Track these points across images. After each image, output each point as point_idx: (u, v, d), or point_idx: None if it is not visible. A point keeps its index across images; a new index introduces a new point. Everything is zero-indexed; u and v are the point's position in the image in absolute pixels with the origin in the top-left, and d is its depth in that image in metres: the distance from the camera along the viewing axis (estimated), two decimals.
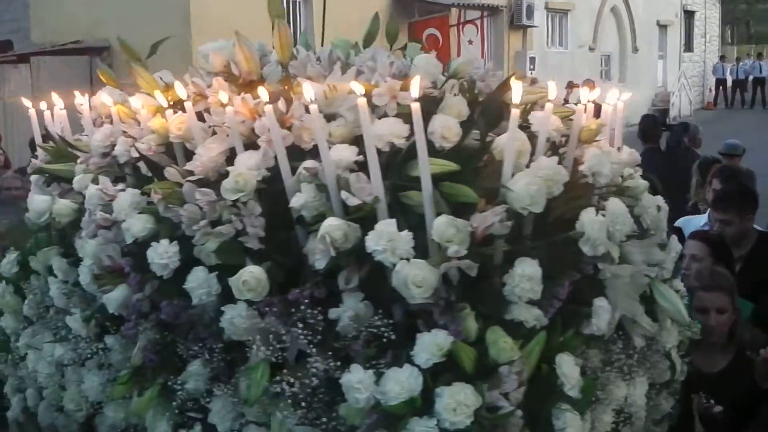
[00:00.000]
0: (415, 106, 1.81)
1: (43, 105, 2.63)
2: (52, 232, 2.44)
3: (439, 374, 1.76)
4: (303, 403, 1.83)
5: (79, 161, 2.45)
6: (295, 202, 1.93)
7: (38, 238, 2.45)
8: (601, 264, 1.93)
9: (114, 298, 2.14)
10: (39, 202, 2.43)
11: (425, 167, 1.82)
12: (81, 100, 2.47)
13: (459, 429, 1.69)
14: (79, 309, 2.30)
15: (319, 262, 1.84)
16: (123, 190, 2.22)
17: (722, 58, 25.86)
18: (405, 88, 1.98)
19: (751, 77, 24.48)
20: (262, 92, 2.03)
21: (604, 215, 1.93)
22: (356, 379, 1.76)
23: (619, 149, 2.22)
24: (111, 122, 2.40)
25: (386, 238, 1.77)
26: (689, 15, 24.53)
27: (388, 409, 1.73)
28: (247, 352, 2.00)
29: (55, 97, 2.59)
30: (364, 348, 1.82)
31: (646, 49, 21.74)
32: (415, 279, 1.73)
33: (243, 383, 2.01)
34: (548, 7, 18.30)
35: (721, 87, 24.94)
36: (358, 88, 1.90)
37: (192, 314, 2.05)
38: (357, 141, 2.02)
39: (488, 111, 2.09)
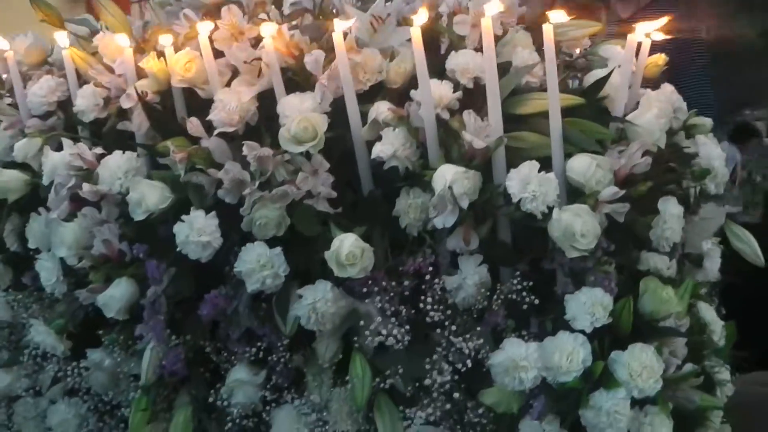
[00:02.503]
0: (547, 29, 1.50)
1: None
2: None
3: (592, 339, 1.48)
4: (441, 397, 1.46)
5: (2, 126, 1.84)
6: (382, 152, 1.54)
7: None
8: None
9: (115, 296, 1.60)
10: None
11: (555, 99, 1.53)
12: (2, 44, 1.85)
13: (648, 396, 1.43)
14: (41, 318, 1.72)
15: (441, 221, 1.48)
16: (104, 154, 1.68)
17: None
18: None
19: None
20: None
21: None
22: (520, 355, 1.43)
23: None
24: (52, 72, 1.83)
25: (536, 183, 1.45)
26: None
27: (562, 387, 1.42)
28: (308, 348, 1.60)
29: None
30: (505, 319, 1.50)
31: None
32: (583, 227, 1.43)
33: (313, 386, 1.59)
34: None
35: None
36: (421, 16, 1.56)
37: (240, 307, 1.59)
38: (413, 83, 1.67)
39: None
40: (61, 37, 1.77)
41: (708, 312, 1.64)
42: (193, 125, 1.59)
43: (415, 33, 1.52)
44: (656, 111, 1.61)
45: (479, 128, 1.51)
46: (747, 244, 1.84)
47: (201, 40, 1.62)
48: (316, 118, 1.55)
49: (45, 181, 1.69)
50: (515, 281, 1.50)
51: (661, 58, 1.82)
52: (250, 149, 1.55)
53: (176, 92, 1.69)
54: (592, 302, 1.47)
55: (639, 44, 1.65)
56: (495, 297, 1.50)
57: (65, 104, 1.80)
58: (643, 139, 1.56)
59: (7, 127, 1.82)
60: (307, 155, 1.56)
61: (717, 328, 1.64)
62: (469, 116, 1.51)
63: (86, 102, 1.72)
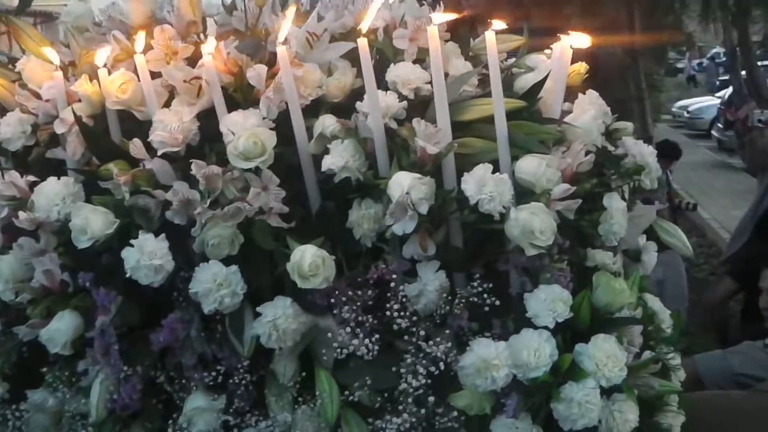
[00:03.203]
0: (490, 36, 1.54)
1: None
2: None
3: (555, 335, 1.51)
4: (411, 405, 1.45)
5: None
6: (333, 164, 1.53)
7: None
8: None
9: (60, 330, 1.52)
10: None
11: (499, 104, 1.56)
12: None
13: (614, 385, 1.46)
14: None
15: (401, 228, 1.48)
16: (37, 181, 1.59)
17: None
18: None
19: None
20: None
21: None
22: (490, 355, 1.43)
23: None
24: None
25: (492, 184, 1.47)
26: None
27: (533, 382, 1.44)
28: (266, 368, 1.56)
29: None
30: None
31: None
32: (541, 224, 1.46)
33: (277, 406, 1.55)
34: None
35: None
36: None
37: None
38: (356, 95, 1.68)
39: None
40: None
41: (654, 302, 1.70)
42: (137, 147, 1.54)
43: (362, 43, 1.53)
44: (593, 112, 1.67)
45: (430, 135, 1.52)
46: (675, 237, 1.92)
47: (138, 61, 1.58)
48: (264, 133, 1.53)
49: None
50: (475, 284, 1.51)
51: (582, 67, 1.89)
52: (198, 168, 1.51)
53: (111, 115, 1.64)
54: (552, 299, 1.50)
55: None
56: (456, 301, 1.51)
57: None
58: (584, 139, 1.62)
59: None
60: (256, 171, 1.53)
61: (665, 317, 1.70)
62: (419, 124, 1.53)
63: (12, 130, 1.64)
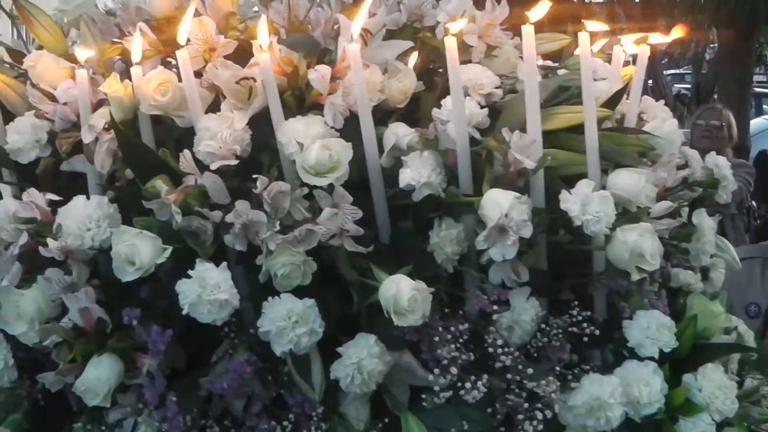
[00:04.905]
0: (584, 37, 1.39)
1: None
2: None
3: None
4: None
5: None
6: (413, 179, 1.35)
7: None
8: None
9: (101, 378, 1.28)
10: None
11: (591, 112, 1.41)
12: None
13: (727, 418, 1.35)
14: None
15: (500, 253, 1.31)
16: (60, 201, 1.34)
17: None
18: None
19: None
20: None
21: None
22: (605, 392, 1.29)
23: None
24: None
25: (597, 203, 1.32)
26: None
27: (646, 419, 1.31)
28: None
29: None
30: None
31: None
32: (652, 248, 1.32)
33: None
34: None
35: None
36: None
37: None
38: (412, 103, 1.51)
39: None
40: None
41: (739, 323, 1.60)
42: (186, 160, 1.32)
43: (450, 42, 1.35)
44: (671, 121, 1.56)
45: (523, 147, 1.37)
46: (726, 252, 1.84)
47: (180, 57, 1.35)
48: (337, 144, 1.33)
49: None
50: (574, 312, 1.37)
51: (631, 70, 1.78)
52: (263, 184, 1.30)
53: (144, 121, 1.40)
54: (656, 326, 1.37)
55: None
56: (553, 331, 1.36)
57: None
58: (671, 151, 1.50)
59: None
60: (328, 188, 1.34)
61: (750, 339, 1.61)
62: (511, 134, 1.37)
63: (24, 138, 1.38)
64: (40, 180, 1.43)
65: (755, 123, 9.70)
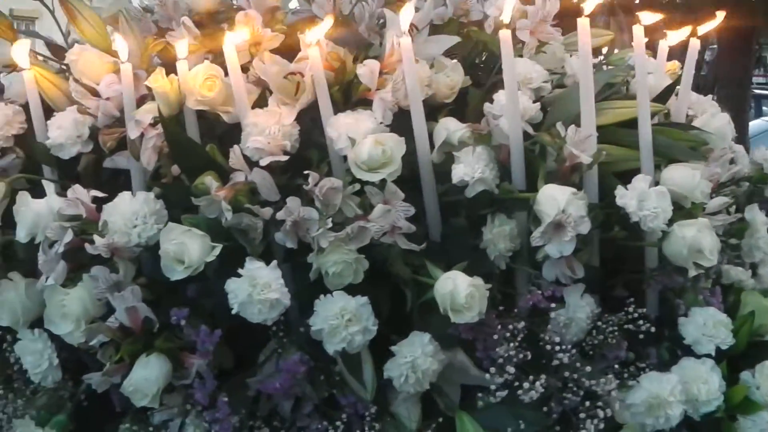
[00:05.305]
0: (638, 30, 1.36)
1: None
2: None
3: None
4: None
5: None
6: (466, 174, 1.32)
7: None
8: None
9: (150, 379, 1.25)
10: None
11: (645, 107, 1.39)
12: None
13: None
14: (28, 417, 1.32)
15: (557, 249, 1.28)
16: (104, 197, 1.31)
17: None
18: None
19: None
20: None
21: None
22: (665, 390, 1.26)
23: None
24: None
25: (654, 199, 1.29)
26: None
27: (705, 418, 1.28)
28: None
29: None
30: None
31: None
32: (711, 244, 1.30)
33: None
34: None
35: None
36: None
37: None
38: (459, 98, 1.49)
39: None
40: (20, 53, 1.37)
41: None
42: (236, 156, 1.29)
43: (504, 35, 1.32)
44: (721, 115, 1.53)
45: (578, 141, 1.34)
46: None
47: (228, 52, 1.32)
48: (391, 139, 1.30)
49: (22, 238, 1.30)
50: (630, 308, 1.34)
51: (675, 65, 1.75)
52: (314, 180, 1.27)
53: (190, 116, 1.37)
54: (712, 323, 1.35)
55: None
56: (609, 329, 1.33)
57: (24, 139, 1.41)
58: (723, 146, 1.47)
59: None
60: (379, 184, 1.31)
61: None
62: (565, 129, 1.34)
63: (66, 133, 1.35)
64: (82, 177, 1.40)
65: (754, 124, 9.65)
